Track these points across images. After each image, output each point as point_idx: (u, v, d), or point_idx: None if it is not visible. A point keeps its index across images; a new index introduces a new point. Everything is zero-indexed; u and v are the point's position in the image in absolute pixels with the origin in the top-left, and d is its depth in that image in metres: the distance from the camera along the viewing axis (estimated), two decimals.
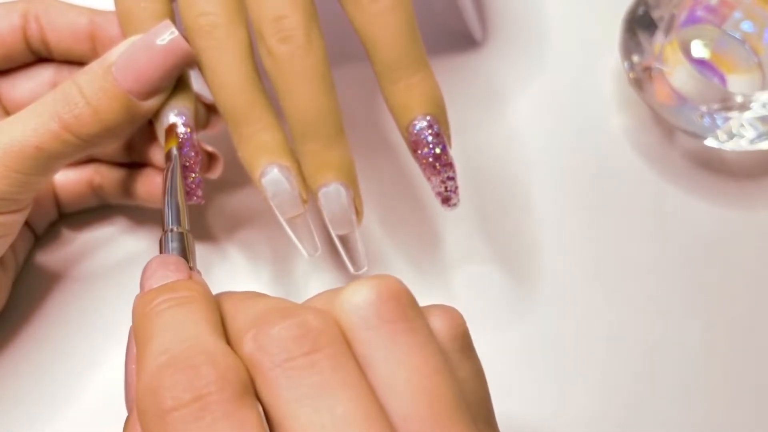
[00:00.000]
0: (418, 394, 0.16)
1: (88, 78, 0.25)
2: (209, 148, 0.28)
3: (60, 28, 0.28)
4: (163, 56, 0.25)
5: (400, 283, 0.18)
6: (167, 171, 0.25)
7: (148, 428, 0.16)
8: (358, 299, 0.17)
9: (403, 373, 0.16)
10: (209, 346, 0.17)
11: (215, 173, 0.29)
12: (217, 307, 0.19)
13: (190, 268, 0.22)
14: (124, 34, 0.27)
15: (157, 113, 0.26)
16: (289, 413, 0.16)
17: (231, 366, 0.16)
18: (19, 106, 0.29)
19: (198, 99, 0.28)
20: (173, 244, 0.23)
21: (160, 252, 0.23)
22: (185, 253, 0.23)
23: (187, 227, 0.24)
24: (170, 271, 0.20)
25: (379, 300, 0.17)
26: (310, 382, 0.16)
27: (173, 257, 0.22)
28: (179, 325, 0.18)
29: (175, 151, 0.25)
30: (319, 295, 0.20)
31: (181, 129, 0.26)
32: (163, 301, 0.19)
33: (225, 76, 0.25)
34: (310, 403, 0.15)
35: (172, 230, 0.23)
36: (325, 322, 0.17)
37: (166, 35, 0.25)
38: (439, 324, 0.19)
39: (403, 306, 0.17)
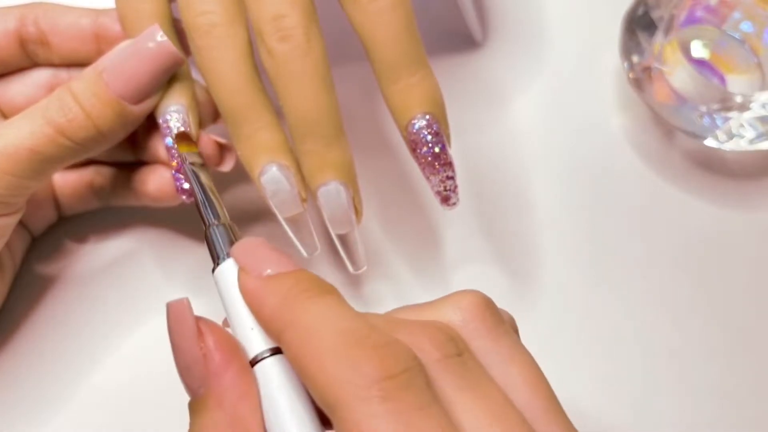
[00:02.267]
0: (532, 384, 0.19)
1: (81, 84, 0.25)
2: (222, 140, 0.28)
3: (62, 31, 0.28)
4: (151, 61, 0.25)
5: (483, 293, 0.21)
6: (189, 172, 0.25)
7: (350, 398, 0.16)
8: (465, 315, 0.20)
9: (514, 369, 0.19)
10: (383, 333, 0.18)
11: (228, 166, 0.29)
12: None
13: None
14: (125, 34, 0.27)
15: (155, 111, 0.26)
16: (454, 398, 0.18)
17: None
18: (16, 109, 0.29)
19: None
20: (222, 237, 0.23)
21: (209, 247, 0.23)
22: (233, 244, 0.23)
23: (228, 219, 0.24)
24: (285, 259, 0.21)
25: (480, 312, 0.20)
26: (469, 375, 0.18)
27: (266, 244, 0.21)
28: (339, 309, 0.18)
29: (190, 158, 0.26)
30: (404, 309, 0.21)
31: (175, 126, 0.26)
32: (309, 288, 0.19)
33: (224, 76, 0.25)
34: (471, 392, 0.18)
35: (215, 225, 0.23)
36: (456, 334, 0.19)
37: (154, 40, 0.25)
38: (506, 317, 0.22)
39: (495, 314, 0.20)
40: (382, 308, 0.31)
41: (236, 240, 0.23)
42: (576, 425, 0.20)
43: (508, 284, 0.32)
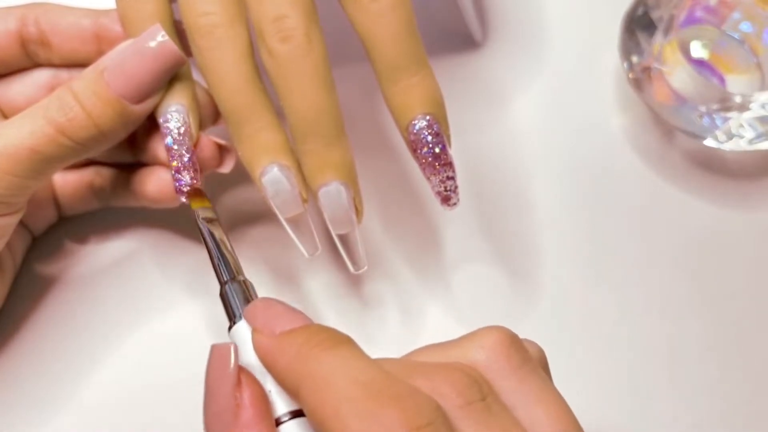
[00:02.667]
0: (557, 424, 0.19)
1: (82, 83, 0.25)
2: (221, 142, 0.28)
3: (63, 31, 0.28)
4: (152, 60, 0.25)
5: (508, 330, 0.20)
6: (203, 229, 0.25)
7: None
8: (489, 354, 0.20)
9: (540, 410, 0.19)
10: (402, 382, 0.18)
11: (227, 167, 0.29)
12: None
13: None
14: (126, 35, 0.27)
15: (155, 111, 0.26)
16: None
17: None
18: (16, 109, 0.29)
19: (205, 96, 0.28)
20: (236, 295, 0.23)
21: (224, 306, 0.23)
22: (249, 301, 0.23)
23: (243, 275, 0.24)
24: (298, 316, 0.21)
25: (505, 351, 0.20)
26: (493, 420, 0.18)
27: (277, 303, 0.22)
28: (354, 359, 0.18)
29: (204, 214, 0.26)
30: (426, 349, 0.21)
31: (175, 125, 0.26)
32: (322, 340, 0.19)
33: (225, 76, 0.25)
34: None
35: (230, 282, 0.23)
36: (479, 375, 0.19)
37: (156, 39, 0.25)
38: (534, 351, 0.21)
39: (520, 351, 0.20)
40: (382, 308, 0.31)
41: (251, 296, 0.23)
42: None
43: (508, 284, 0.32)
